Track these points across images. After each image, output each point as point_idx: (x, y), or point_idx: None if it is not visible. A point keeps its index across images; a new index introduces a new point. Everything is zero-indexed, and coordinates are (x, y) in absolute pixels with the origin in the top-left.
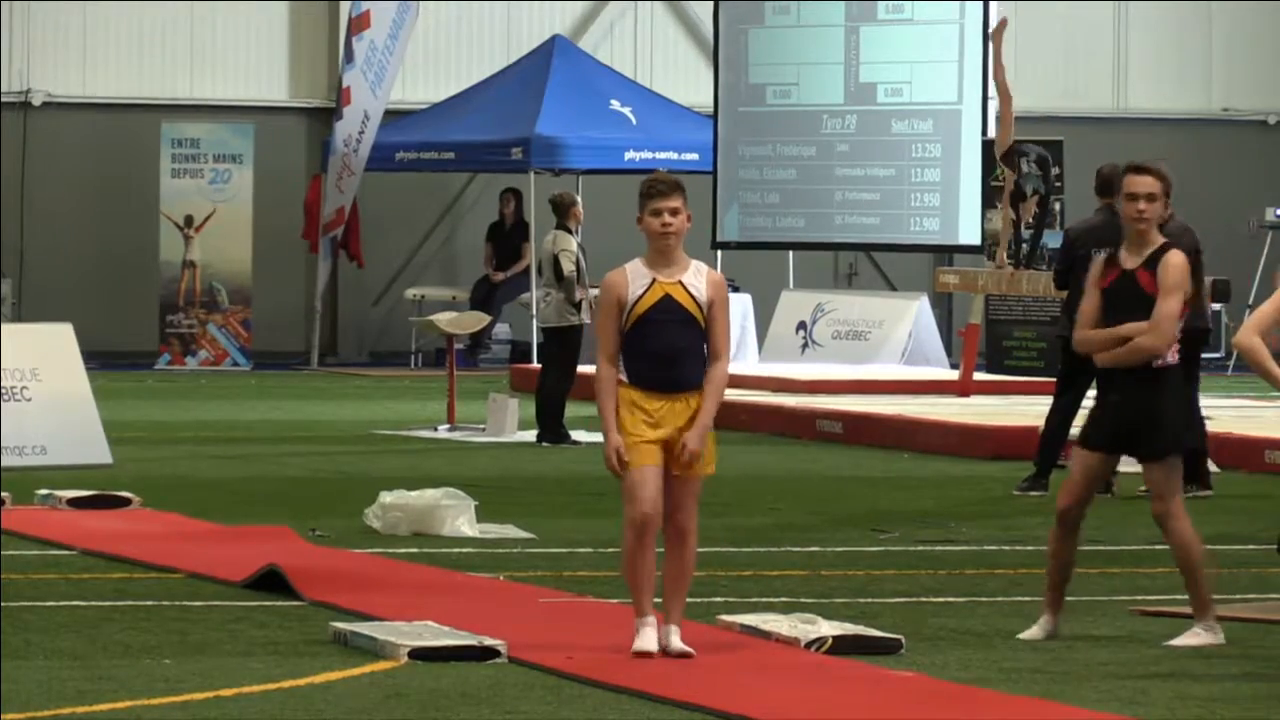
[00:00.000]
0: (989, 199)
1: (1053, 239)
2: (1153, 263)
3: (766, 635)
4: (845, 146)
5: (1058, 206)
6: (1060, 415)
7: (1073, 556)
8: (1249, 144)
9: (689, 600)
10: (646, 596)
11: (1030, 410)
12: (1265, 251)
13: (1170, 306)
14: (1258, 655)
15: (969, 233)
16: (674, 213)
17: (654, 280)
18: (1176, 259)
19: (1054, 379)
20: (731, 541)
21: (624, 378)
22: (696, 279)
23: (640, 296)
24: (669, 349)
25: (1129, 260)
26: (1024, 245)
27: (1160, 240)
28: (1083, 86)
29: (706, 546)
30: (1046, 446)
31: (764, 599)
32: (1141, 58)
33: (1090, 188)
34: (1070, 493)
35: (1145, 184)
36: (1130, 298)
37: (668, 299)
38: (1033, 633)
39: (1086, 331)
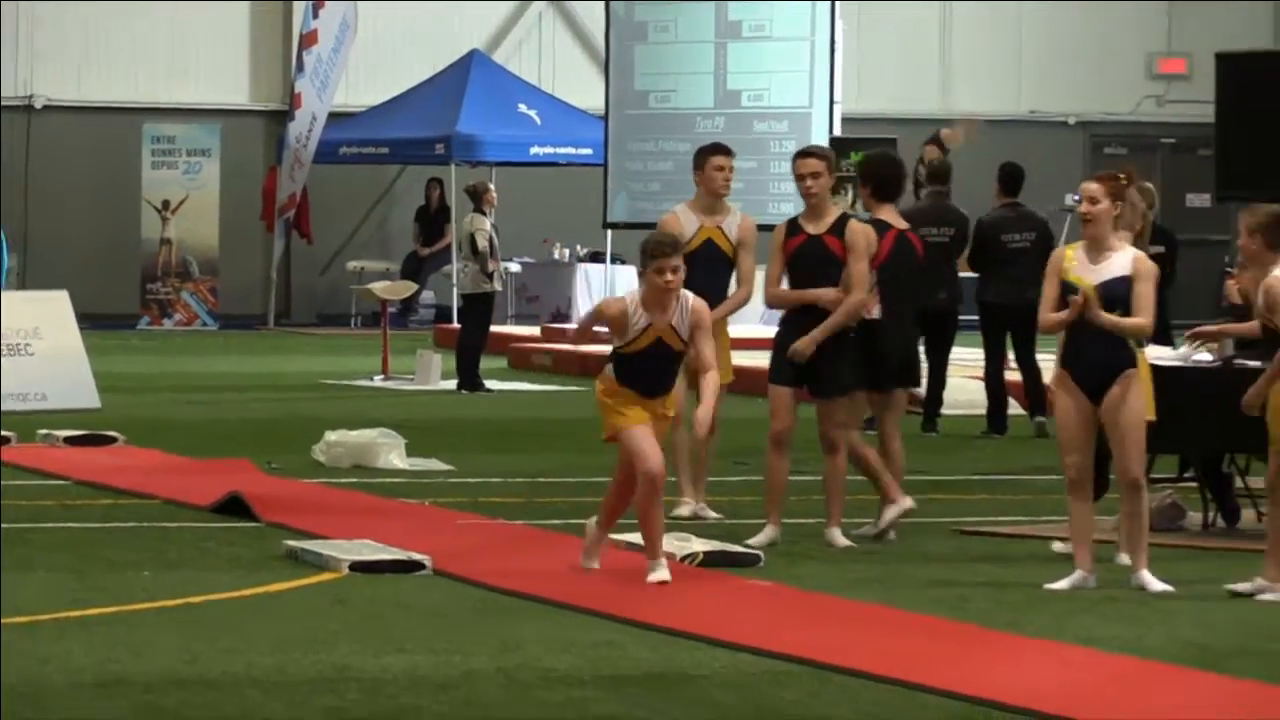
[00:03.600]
0: (834, 188)
1: None
2: (838, 229)
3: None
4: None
5: None
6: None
7: (786, 474)
8: (1053, 142)
9: (585, 522)
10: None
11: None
12: (1065, 230)
13: (862, 268)
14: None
15: None
16: (675, 270)
17: (650, 324)
18: (858, 227)
19: None
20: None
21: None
22: (683, 317)
23: (639, 334)
24: (656, 377)
25: (812, 228)
26: None
27: (839, 210)
28: (912, 90)
29: (597, 477)
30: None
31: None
32: (964, 62)
33: (920, 178)
34: (780, 419)
35: (810, 165)
36: (818, 259)
37: (659, 341)
38: (760, 539)
39: (777, 290)
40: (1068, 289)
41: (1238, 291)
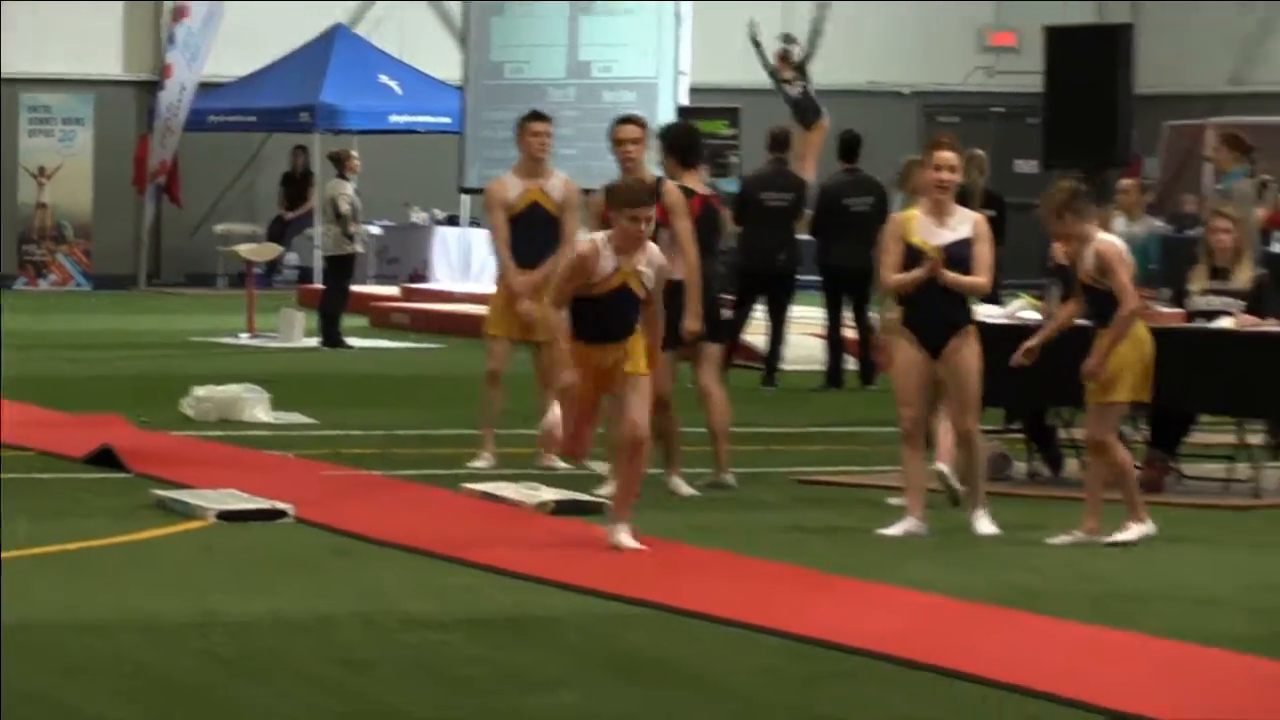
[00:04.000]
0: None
1: (730, 185)
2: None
3: (501, 500)
4: (567, 112)
5: (736, 159)
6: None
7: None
8: (889, 111)
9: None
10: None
11: None
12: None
13: (685, 225)
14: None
15: None
16: (649, 221)
17: (618, 267)
18: (673, 188)
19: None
20: (472, 424)
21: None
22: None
23: (608, 276)
24: (612, 323)
25: None
26: None
27: (655, 176)
28: (753, 60)
29: (452, 429)
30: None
31: (499, 471)
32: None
33: (762, 145)
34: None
35: (629, 132)
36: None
37: (625, 286)
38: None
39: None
40: (914, 252)
41: (1064, 254)
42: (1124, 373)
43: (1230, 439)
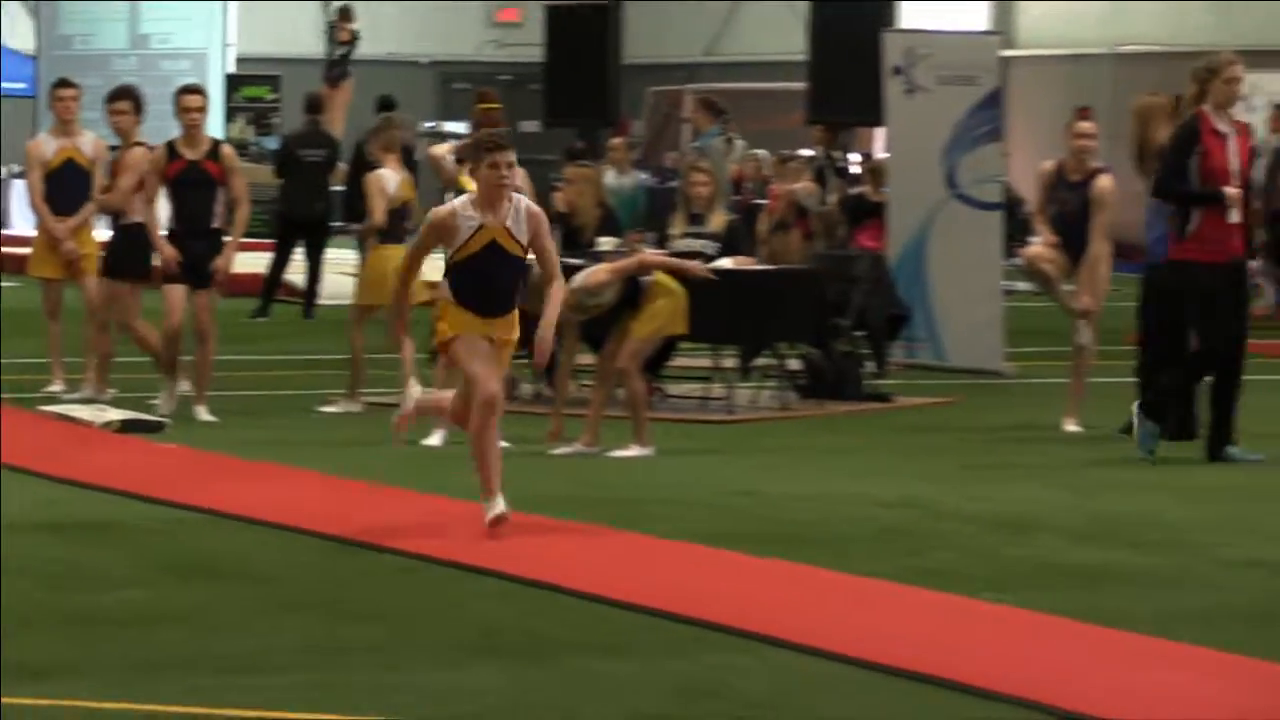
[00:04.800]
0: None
1: (272, 143)
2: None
3: (74, 420)
4: (130, 80)
5: (278, 120)
6: (280, 266)
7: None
8: (409, 79)
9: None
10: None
11: (257, 262)
12: None
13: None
14: None
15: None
16: (510, 166)
17: (482, 224)
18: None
19: (272, 240)
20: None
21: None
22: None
23: (471, 235)
24: (496, 288)
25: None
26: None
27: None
28: (291, 33)
29: (29, 358)
30: (269, 285)
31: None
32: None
33: (300, 108)
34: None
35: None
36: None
37: (494, 244)
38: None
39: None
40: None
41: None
42: (660, 310)
43: (707, 363)
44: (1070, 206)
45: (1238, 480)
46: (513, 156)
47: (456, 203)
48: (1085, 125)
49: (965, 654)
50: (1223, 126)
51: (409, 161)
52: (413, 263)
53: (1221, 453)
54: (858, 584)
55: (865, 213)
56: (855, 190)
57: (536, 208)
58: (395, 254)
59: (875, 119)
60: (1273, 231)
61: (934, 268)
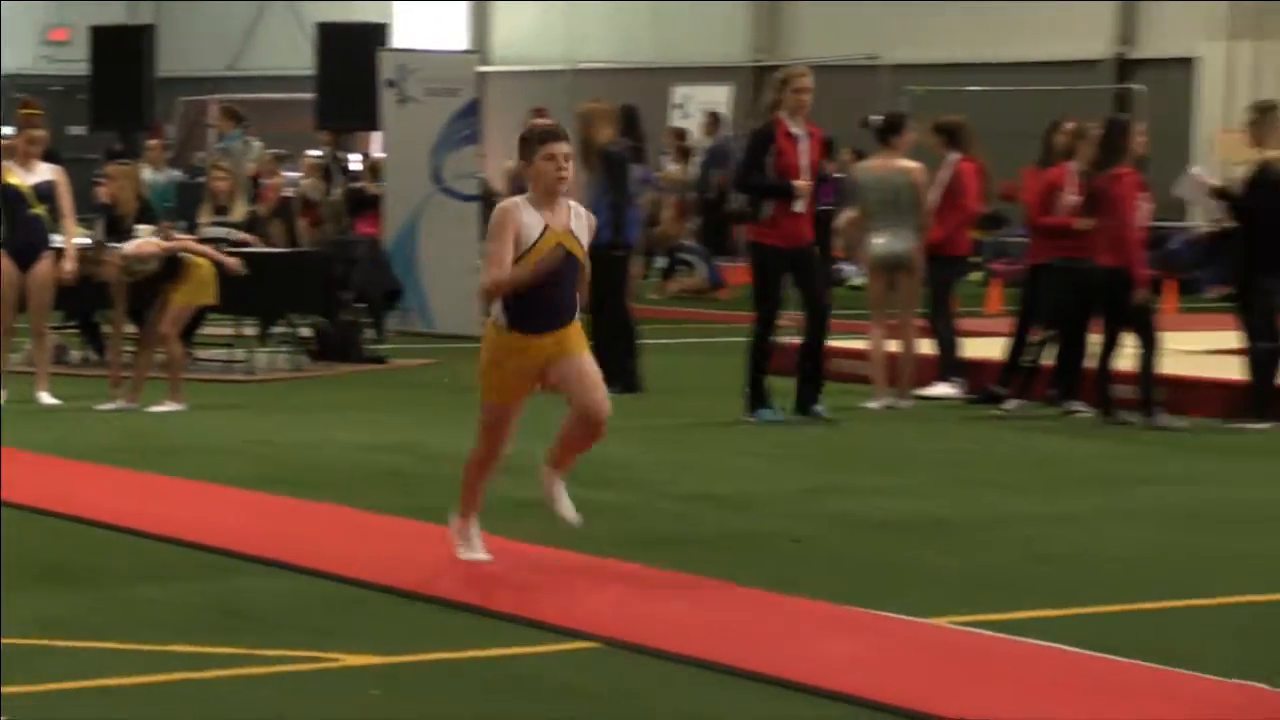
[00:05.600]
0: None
1: None
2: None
3: None
4: None
5: None
6: None
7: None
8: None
9: None
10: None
11: None
12: None
13: None
14: None
15: None
16: (568, 159)
17: (547, 225)
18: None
19: None
20: None
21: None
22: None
23: (538, 239)
24: (559, 297)
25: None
26: None
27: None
28: None
29: None
30: None
31: None
32: None
33: None
34: None
35: None
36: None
37: (560, 248)
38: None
39: None
40: (13, 191)
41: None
42: (195, 283)
43: (231, 330)
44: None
45: (676, 428)
46: (569, 148)
47: (516, 200)
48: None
49: (429, 569)
50: (796, 129)
51: None
52: (505, 270)
53: (811, 409)
54: (357, 516)
55: (364, 204)
56: (356, 185)
57: (592, 217)
58: None
59: (373, 124)
60: (705, 218)
61: (423, 250)
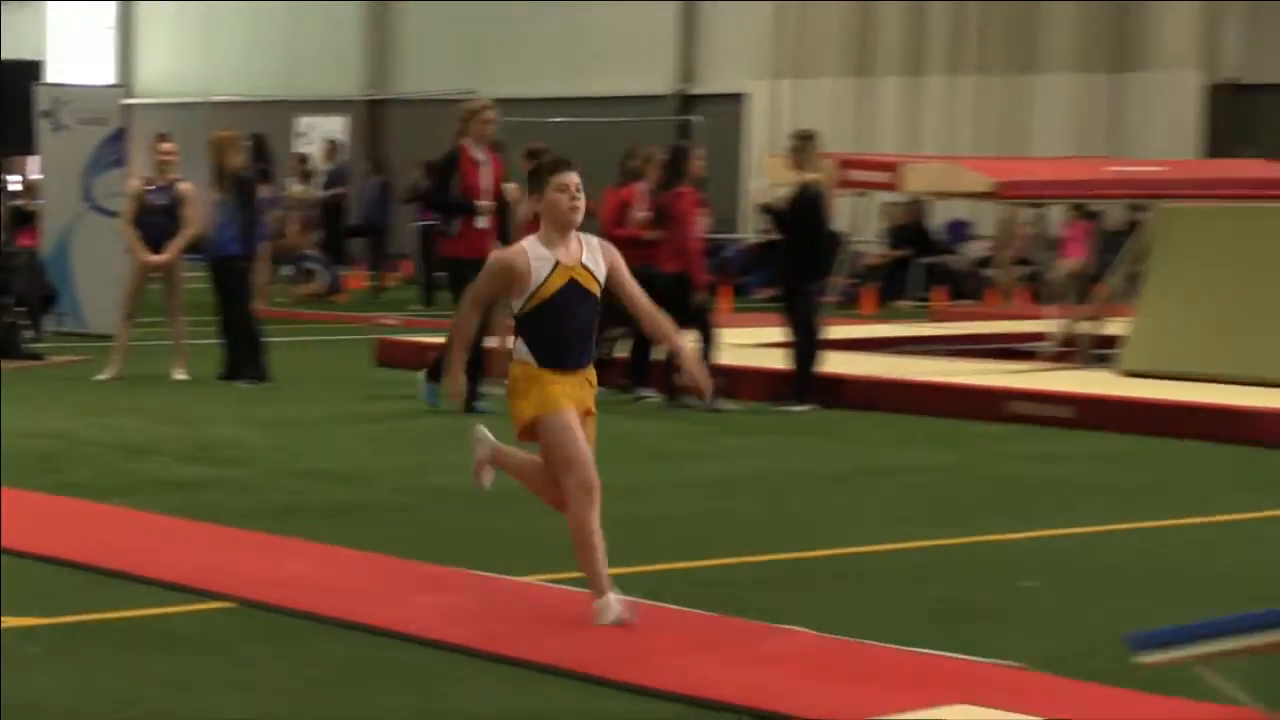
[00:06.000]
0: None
1: None
2: None
3: None
4: None
5: None
6: None
7: None
8: None
9: None
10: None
11: None
12: None
13: None
14: None
15: None
16: (579, 190)
17: (558, 262)
18: None
19: None
20: None
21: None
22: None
23: (549, 276)
24: (577, 334)
25: None
26: None
27: None
28: None
29: None
30: None
31: None
32: None
33: None
34: None
35: None
36: None
37: (573, 282)
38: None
39: None
40: None
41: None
42: None
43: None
44: (156, 207)
45: (298, 413)
46: (579, 181)
47: (525, 242)
48: (166, 145)
49: (83, 539)
50: (479, 155)
51: None
52: (472, 312)
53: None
54: (16, 495)
55: (23, 219)
56: (16, 202)
57: (613, 249)
58: None
59: (30, 149)
60: (326, 230)
61: (76, 259)
